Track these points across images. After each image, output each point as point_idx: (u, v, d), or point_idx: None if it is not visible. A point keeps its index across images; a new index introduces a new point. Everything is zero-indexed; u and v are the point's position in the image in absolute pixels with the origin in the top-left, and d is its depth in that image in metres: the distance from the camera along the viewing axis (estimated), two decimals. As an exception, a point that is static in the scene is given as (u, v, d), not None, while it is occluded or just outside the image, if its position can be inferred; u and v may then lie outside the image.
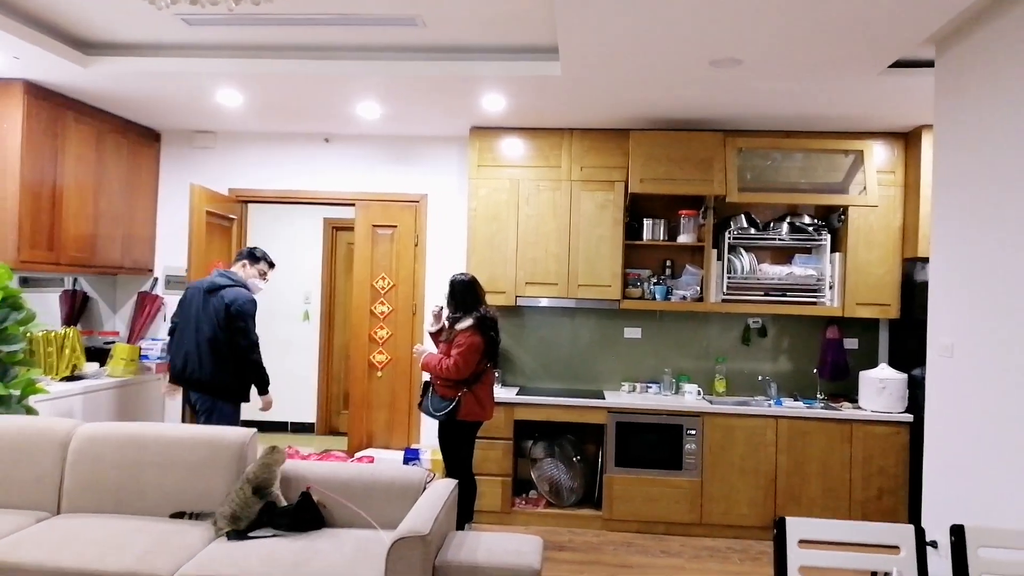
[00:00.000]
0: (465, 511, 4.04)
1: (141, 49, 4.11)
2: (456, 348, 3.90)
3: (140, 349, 5.07)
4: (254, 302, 4.20)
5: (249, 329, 4.13)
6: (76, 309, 5.20)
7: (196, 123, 5.37)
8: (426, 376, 4.19)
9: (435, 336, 4.19)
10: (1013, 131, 2.68)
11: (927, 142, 4.53)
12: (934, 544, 2.76)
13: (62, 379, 4.55)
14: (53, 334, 4.55)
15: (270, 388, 4.31)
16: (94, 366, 4.86)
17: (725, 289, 4.91)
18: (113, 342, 5.18)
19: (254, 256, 4.37)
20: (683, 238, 4.99)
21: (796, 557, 1.99)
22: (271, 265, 4.45)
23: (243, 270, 4.30)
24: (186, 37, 3.93)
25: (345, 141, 5.52)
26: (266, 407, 4.35)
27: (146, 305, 5.42)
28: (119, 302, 5.59)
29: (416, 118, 4.96)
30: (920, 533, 2.02)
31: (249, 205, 5.70)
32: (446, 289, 4.15)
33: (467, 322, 3.95)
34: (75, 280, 5.27)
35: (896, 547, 2.04)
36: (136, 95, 4.63)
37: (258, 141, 5.57)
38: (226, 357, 4.11)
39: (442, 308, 4.17)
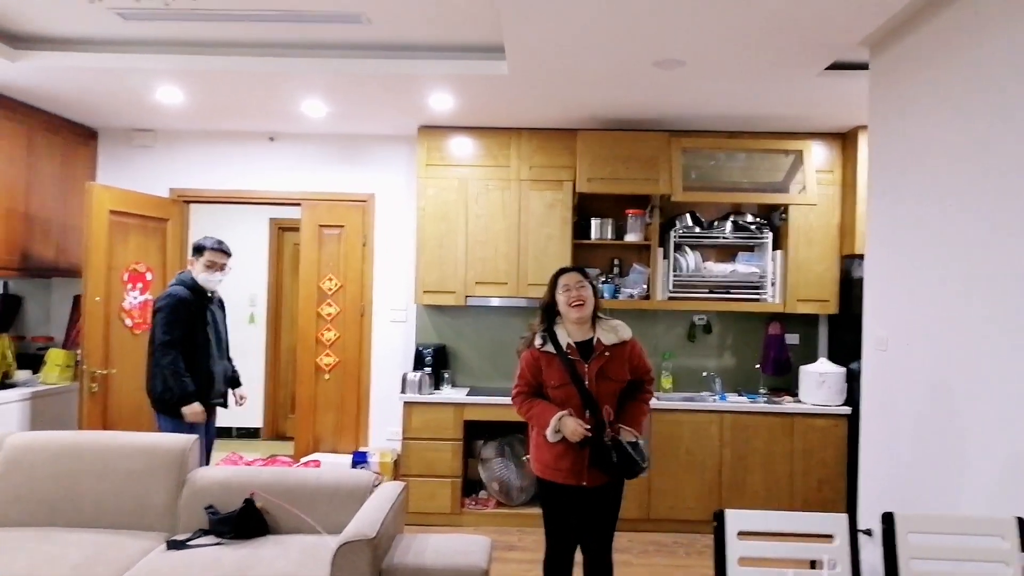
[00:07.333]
0: None
1: (73, 44, 3.97)
2: (648, 369, 3.12)
3: (77, 355, 4.90)
4: (169, 296, 3.84)
5: (157, 326, 3.79)
6: (6, 313, 5.00)
7: (135, 121, 5.21)
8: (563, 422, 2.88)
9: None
10: (942, 132, 2.78)
11: (863, 142, 4.67)
12: (868, 532, 2.85)
13: (-8, 387, 4.37)
14: (-19, 340, 4.37)
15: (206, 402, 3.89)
16: (26, 373, 4.68)
17: (671, 287, 4.99)
18: (47, 347, 5.00)
19: (196, 248, 4.00)
20: (630, 237, 5.05)
21: (735, 549, 2.03)
22: (221, 253, 4.01)
23: (192, 267, 4.00)
24: (122, 32, 3.81)
25: (290, 140, 5.42)
26: (191, 418, 3.79)
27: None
28: (54, 306, 5.39)
29: (363, 117, 4.91)
30: (852, 522, 2.08)
31: (192, 206, 5.55)
32: (570, 284, 2.98)
33: (627, 329, 3.09)
34: (5, 283, 5.07)
35: (831, 536, 2.09)
36: (70, 91, 4.47)
37: (200, 140, 5.43)
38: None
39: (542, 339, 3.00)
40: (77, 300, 5.25)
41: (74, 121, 5.18)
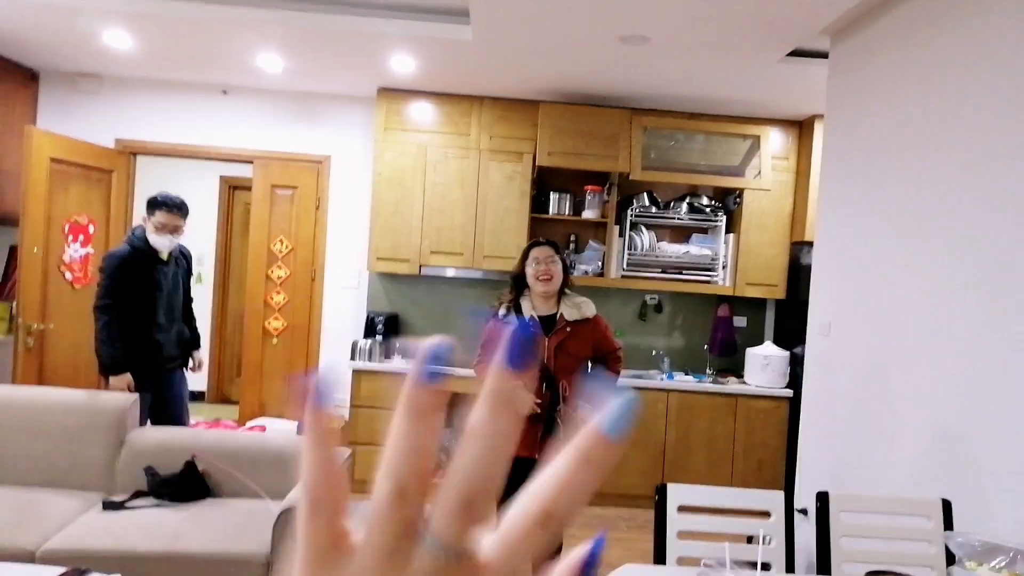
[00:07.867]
0: None
1: (14, -21, 3.76)
2: (614, 347, 3.11)
3: (12, 308, 4.71)
4: (110, 256, 3.62)
5: (97, 288, 3.59)
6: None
7: (80, 65, 4.97)
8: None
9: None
10: (894, 126, 2.83)
11: (819, 131, 4.75)
12: (804, 511, 2.94)
13: (-82, 337, 4.17)
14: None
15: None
16: (-44, 324, 4.48)
17: (625, 265, 5.03)
18: (-21, 299, 4.79)
19: (150, 204, 3.69)
20: (588, 213, 5.06)
21: (675, 522, 2.07)
22: (175, 213, 3.70)
23: (145, 224, 3.74)
24: (67, -30, 3.62)
25: (245, 94, 5.25)
26: (116, 389, 3.49)
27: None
28: (-13, 255, 5.15)
29: (321, 75, 4.77)
30: (789, 499, 2.14)
31: (139, 158, 5.34)
32: (540, 258, 2.97)
33: (592, 307, 3.06)
34: (-65, 230, 4.82)
35: (768, 513, 2.15)
36: (8, 28, 4.23)
37: (150, 89, 5.22)
38: None
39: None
40: (13, 251, 5.02)
41: (13, 60, 4.91)
